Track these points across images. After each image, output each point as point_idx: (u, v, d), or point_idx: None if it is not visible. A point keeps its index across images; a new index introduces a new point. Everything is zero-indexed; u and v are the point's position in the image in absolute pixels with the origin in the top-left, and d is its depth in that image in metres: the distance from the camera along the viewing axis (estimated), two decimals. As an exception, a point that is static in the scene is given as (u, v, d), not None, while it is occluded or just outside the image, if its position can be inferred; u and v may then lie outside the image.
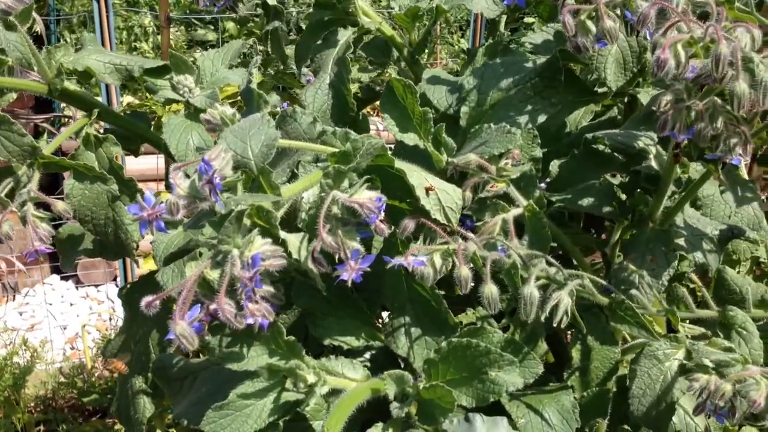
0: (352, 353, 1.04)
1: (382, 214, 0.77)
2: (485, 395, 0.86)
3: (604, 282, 0.97)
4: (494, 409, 1.05)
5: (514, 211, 1.01)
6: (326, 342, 0.98)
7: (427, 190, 0.86)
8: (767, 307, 1.08)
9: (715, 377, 0.91)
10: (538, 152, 1.13)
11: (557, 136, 1.30)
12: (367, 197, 0.78)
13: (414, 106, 1.04)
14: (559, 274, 0.93)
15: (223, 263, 0.74)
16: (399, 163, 0.86)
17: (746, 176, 1.32)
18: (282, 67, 1.50)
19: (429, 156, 1.04)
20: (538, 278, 0.91)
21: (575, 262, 1.15)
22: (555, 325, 0.88)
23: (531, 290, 0.86)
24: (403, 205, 0.91)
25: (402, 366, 1.05)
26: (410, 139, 1.05)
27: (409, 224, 0.86)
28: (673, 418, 1.11)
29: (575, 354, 1.15)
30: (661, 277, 1.02)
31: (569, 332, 1.23)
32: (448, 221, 0.88)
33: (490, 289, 0.84)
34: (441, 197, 0.87)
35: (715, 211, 1.14)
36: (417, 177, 0.86)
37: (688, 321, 1.04)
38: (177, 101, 1.20)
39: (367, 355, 1.17)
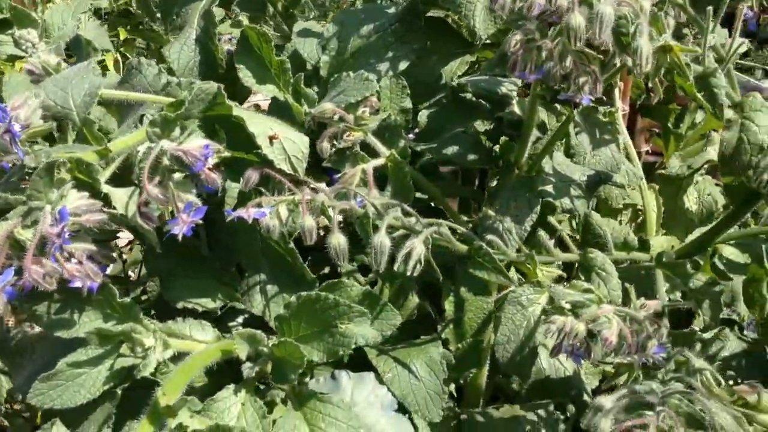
0: (216, 317, 1.00)
1: (210, 161, 0.73)
2: (335, 349, 0.83)
3: (463, 229, 0.95)
4: (362, 365, 1.03)
5: (374, 162, 0.97)
6: (180, 305, 0.93)
7: (271, 138, 0.82)
8: (629, 249, 1.08)
9: (571, 318, 0.91)
10: (408, 103, 1.10)
11: (433, 88, 1.27)
12: (195, 145, 0.73)
13: (270, 56, 0.99)
14: (417, 224, 0.90)
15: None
16: (238, 111, 0.82)
17: (623, 126, 1.34)
18: (150, 24, 1.42)
19: (290, 108, 1.00)
20: (392, 227, 0.88)
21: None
22: (409, 273, 0.86)
23: (381, 239, 0.83)
24: (251, 156, 0.86)
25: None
26: (268, 90, 1.00)
27: (252, 175, 0.82)
28: (543, 362, 1.12)
29: (448, 306, 1.13)
30: (524, 223, 1.01)
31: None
32: (294, 171, 0.84)
33: (338, 240, 0.81)
34: (286, 146, 0.83)
35: (594, 156, 1.14)
36: (259, 125, 0.82)
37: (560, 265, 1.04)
38: (21, 57, 1.12)
39: (240, 319, 1.13)
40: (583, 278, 1.02)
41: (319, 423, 0.87)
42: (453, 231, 0.95)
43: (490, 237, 0.95)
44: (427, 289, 1.20)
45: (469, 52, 1.29)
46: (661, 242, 1.31)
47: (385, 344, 1.10)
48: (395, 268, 0.85)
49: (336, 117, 0.92)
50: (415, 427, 1.03)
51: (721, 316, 1.71)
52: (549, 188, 1.12)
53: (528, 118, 0.99)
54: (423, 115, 1.11)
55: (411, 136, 1.11)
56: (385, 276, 1.07)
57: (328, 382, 0.99)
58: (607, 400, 0.77)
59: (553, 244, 1.11)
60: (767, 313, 1.31)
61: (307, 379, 0.99)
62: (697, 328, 1.15)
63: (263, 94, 1.02)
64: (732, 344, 1.52)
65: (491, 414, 1.10)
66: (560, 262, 1.09)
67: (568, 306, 0.93)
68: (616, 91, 1.34)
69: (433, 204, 1.16)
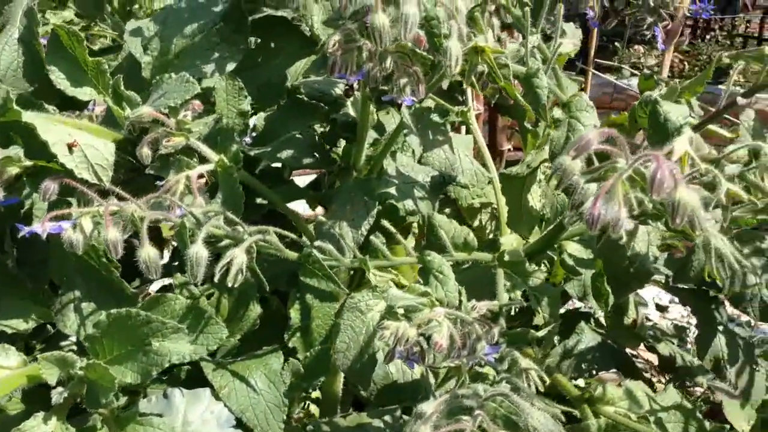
0: (46, 338, 0.93)
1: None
2: (149, 368, 0.78)
3: (293, 236, 0.93)
4: (200, 381, 0.99)
5: (201, 168, 0.93)
6: (-15, 328, 0.86)
7: (70, 146, 0.76)
8: (470, 250, 1.09)
9: (404, 323, 0.90)
10: (246, 105, 1.06)
11: (280, 90, 1.24)
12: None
13: (84, 57, 0.93)
14: (242, 233, 0.87)
15: None
16: (29, 116, 0.75)
17: (477, 125, 1.34)
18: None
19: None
20: (215, 237, 0.84)
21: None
22: (231, 284, 0.82)
23: (197, 250, 0.79)
24: (54, 165, 0.80)
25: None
26: (86, 93, 0.94)
27: (50, 186, 0.76)
28: (391, 367, 1.11)
29: (294, 314, 1.10)
30: (361, 227, 0.99)
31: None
32: (98, 179, 0.78)
33: (147, 253, 0.76)
34: (88, 154, 0.78)
35: (427, 158, 1.14)
36: (55, 133, 0.76)
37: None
38: None
39: (74, 338, 1.06)
40: (421, 282, 1.01)
41: (140, 446, 0.83)
42: (283, 238, 0.92)
43: (320, 243, 0.92)
44: (276, 297, 1.17)
45: (315, 52, 1.27)
46: (511, 241, 1.33)
47: (226, 357, 1.06)
48: (215, 280, 0.82)
49: (152, 119, 0.87)
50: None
51: (580, 310, 1.77)
52: (392, 190, 1.11)
53: (361, 119, 0.98)
54: (260, 118, 1.08)
55: (247, 140, 1.07)
56: (222, 286, 1.03)
57: (160, 401, 0.94)
58: (428, 406, 0.76)
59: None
60: (610, 308, 1.35)
61: (141, 398, 0.94)
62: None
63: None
64: (587, 337, 1.57)
65: (338, 423, 1.08)
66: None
67: (401, 311, 0.92)
68: (469, 90, 1.35)
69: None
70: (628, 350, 1.68)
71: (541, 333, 1.04)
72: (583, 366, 1.51)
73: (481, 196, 1.41)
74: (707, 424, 1.23)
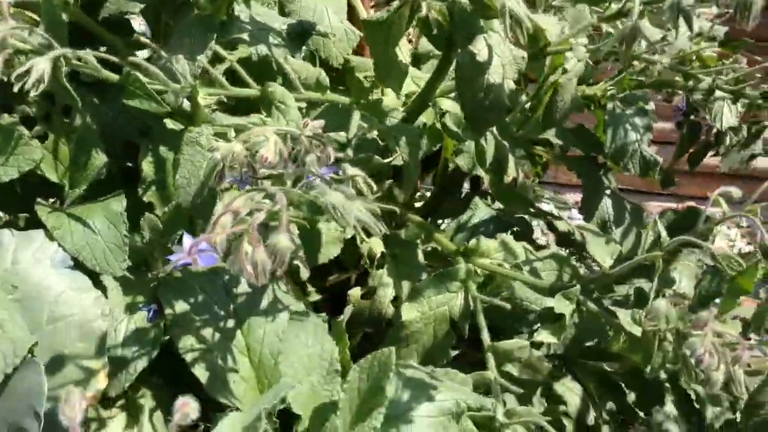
0: None
1: None
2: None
3: (114, 59, 0.89)
4: (35, 226, 0.96)
5: (14, -7, 0.89)
6: None
7: None
8: (323, 90, 1.06)
9: (236, 143, 0.87)
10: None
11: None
12: None
13: None
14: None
15: None
16: None
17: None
18: None
19: None
20: (18, 52, 0.80)
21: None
22: (33, 93, 0.78)
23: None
24: None
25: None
26: None
27: None
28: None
29: (147, 166, 1.08)
30: (197, 60, 0.96)
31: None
32: None
33: None
34: None
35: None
36: None
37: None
38: None
39: None
40: (264, 114, 0.99)
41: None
42: (104, 62, 0.89)
43: (146, 65, 0.89)
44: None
45: None
46: (388, 101, 1.31)
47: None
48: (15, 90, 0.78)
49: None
50: (103, 288, 0.97)
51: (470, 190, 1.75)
52: (244, 36, 1.08)
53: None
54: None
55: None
56: (55, 128, 0.99)
57: (-12, 243, 0.92)
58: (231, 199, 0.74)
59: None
60: (489, 166, 1.34)
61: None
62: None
63: None
64: (481, 212, 1.57)
65: (189, 270, 1.06)
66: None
67: (232, 132, 0.90)
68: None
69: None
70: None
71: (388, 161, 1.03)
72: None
73: (367, 69, 1.38)
74: (582, 269, 1.24)
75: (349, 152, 0.98)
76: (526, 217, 1.56)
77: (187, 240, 0.67)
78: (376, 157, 1.01)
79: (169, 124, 0.95)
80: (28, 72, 0.78)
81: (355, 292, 1.39)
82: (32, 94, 0.77)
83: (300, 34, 1.13)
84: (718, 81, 1.08)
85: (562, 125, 1.33)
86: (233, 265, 0.66)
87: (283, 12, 1.20)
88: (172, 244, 1.11)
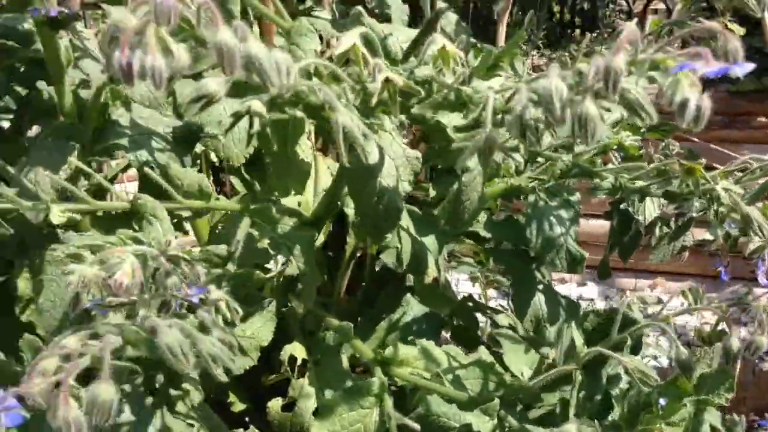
0: None
1: None
2: None
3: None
4: None
5: None
6: None
7: None
8: (207, 198, 0.99)
9: (89, 266, 0.79)
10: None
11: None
12: None
13: None
14: None
15: None
16: None
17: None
18: None
19: None
20: None
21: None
22: None
23: None
24: None
25: None
26: None
27: None
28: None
29: (23, 284, 1.00)
30: (59, 170, 0.89)
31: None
32: None
33: None
34: None
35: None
36: None
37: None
38: None
39: None
40: (137, 228, 0.92)
41: None
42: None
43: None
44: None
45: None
46: (293, 201, 1.25)
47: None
48: None
49: None
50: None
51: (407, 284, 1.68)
52: (123, 141, 1.02)
53: (47, 54, 0.88)
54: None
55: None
56: None
57: None
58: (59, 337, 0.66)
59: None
60: (406, 266, 1.27)
61: None
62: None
63: None
64: (414, 309, 1.49)
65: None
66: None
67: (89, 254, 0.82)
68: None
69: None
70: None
71: (271, 275, 0.95)
72: (408, 339, 1.43)
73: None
74: (507, 377, 1.16)
75: (230, 267, 0.90)
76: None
77: (-1, 393, 0.58)
78: (258, 272, 0.93)
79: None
80: None
81: (275, 405, 1.29)
82: None
83: (188, 138, 1.07)
84: (631, 179, 1.02)
85: (471, 223, 1.27)
86: (53, 421, 0.57)
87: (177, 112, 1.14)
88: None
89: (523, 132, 0.53)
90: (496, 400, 1.03)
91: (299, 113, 0.69)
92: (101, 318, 0.90)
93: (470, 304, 1.63)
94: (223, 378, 0.61)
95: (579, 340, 0.97)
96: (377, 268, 1.54)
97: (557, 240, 1.33)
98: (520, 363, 1.08)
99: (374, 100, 0.66)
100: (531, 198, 1.32)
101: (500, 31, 1.95)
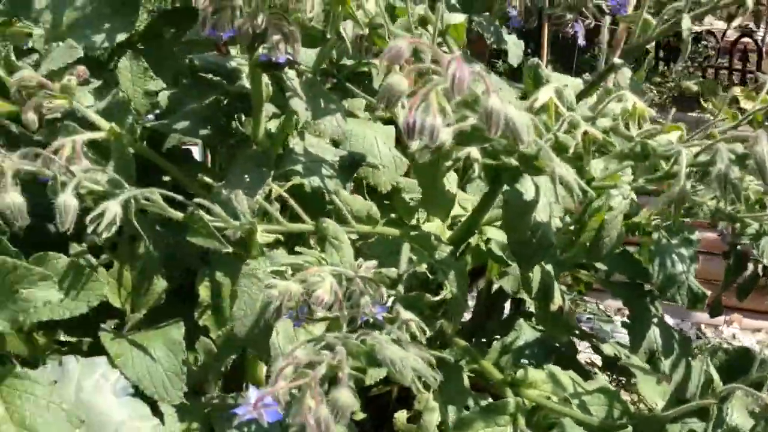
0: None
1: None
2: (18, 315, 0.78)
3: (181, 198, 0.93)
4: (98, 351, 0.98)
5: (90, 134, 0.94)
6: None
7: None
8: (374, 223, 1.09)
9: (293, 282, 0.89)
10: (152, 86, 1.09)
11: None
12: None
13: (-25, 28, 0.95)
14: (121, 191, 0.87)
15: None
16: None
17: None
18: None
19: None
20: (91, 193, 0.85)
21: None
22: (106, 235, 0.82)
23: (65, 198, 0.79)
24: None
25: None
26: (-22, 65, 0.96)
27: None
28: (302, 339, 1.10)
29: (203, 291, 1.11)
30: (256, 194, 1.00)
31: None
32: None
33: (12, 199, 0.77)
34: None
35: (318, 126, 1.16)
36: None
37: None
38: None
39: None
40: (319, 248, 1.02)
41: (15, 400, 0.82)
42: (171, 201, 0.93)
43: (207, 204, 0.93)
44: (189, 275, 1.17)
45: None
46: (433, 227, 1.33)
47: (131, 331, 1.06)
48: (88, 231, 0.82)
49: (37, 84, 0.89)
50: (161, 415, 0.98)
51: (519, 309, 1.76)
52: (298, 168, 1.12)
53: (253, 89, 0.99)
54: (164, 96, 1.10)
55: (151, 116, 1.09)
56: (121, 257, 1.03)
57: (55, 369, 0.94)
58: (292, 347, 0.75)
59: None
60: (535, 294, 1.34)
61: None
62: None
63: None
64: (526, 333, 1.56)
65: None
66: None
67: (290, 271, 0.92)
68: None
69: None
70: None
71: (438, 298, 1.04)
72: (521, 361, 1.50)
73: (414, 191, 1.42)
74: (632, 407, 1.22)
75: (400, 289, 0.99)
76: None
77: (253, 393, 0.68)
78: (427, 295, 1.02)
79: (208, 244, 0.97)
80: (101, 214, 0.81)
81: (401, 416, 1.37)
82: (104, 236, 0.81)
83: (351, 166, 1.17)
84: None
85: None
86: (295, 419, 0.66)
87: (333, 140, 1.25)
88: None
89: (724, 187, 0.60)
90: (630, 428, 1.09)
91: (514, 162, 0.78)
92: (298, 330, 1.01)
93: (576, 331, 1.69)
94: (426, 393, 0.69)
95: (716, 376, 1.02)
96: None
97: (679, 277, 1.38)
98: (654, 394, 1.14)
99: (571, 151, 0.74)
100: (654, 236, 1.38)
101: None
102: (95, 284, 0.87)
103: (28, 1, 1.36)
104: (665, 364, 1.43)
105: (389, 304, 0.93)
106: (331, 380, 0.71)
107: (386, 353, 0.71)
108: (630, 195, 1.09)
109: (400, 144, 1.36)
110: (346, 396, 0.67)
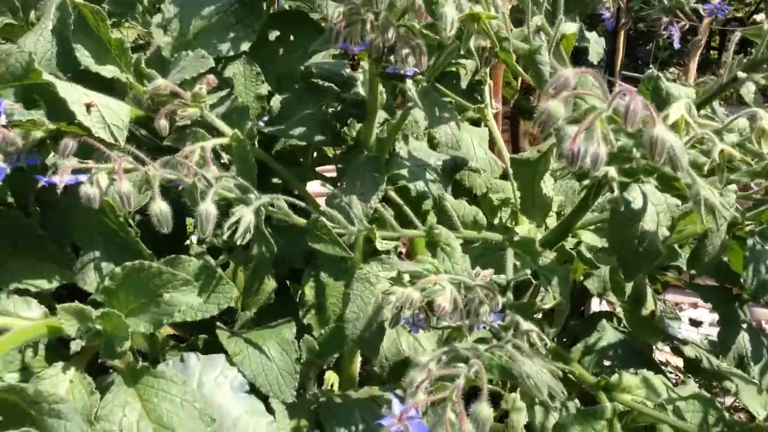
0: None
1: (3, 119, 0.72)
2: (160, 318, 0.82)
3: (303, 204, 0.96)
4: (215, 350, 1.02)
5: (216, 141, 0.98)
6: (12, 286, 0.91)
7: (88, 106, 0.81)
8: (479, 228, 1.10)
9: (411, 289, 0.92)
10: (263, 89, 1.11)
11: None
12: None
13: (108, 36, 0.99)
14: (252, 197, 0.91)
15: None
16: (49, 76, 0.81)
17: (494, 122, 1.37)
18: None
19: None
20: (225, 199, 0.88)
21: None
22: (239, 242, 0.85)
23: (207, 206, 0.82)
24: (75, 128, 0.86)
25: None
26: (109, 71, 1.00)
27: (69, 143, 0.81)
28: (403, 344, 1.12)
29: (308, 291, 1.14)
30: (370, 201, 1.02)
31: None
32: (114, 139, 0.83)
33: (159, 207, 0.80)
34: (105, 114, 0.83)
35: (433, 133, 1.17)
36: (73, 92, 0.81)
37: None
38: None
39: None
40: (430, 254, 1.04)
41: (152, 398, 0.86)
42: (294, 207, 0.96)
43: (329, 210, 0.95)
44: (290, 275, 1.21)
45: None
46: (526, 229, 1.35)
47: (242, 329, 1.10)
48: (224, 237, 0.86)
49: (170, 92, 0.92)
50: (272, 411, 1.02)
51: (597, 310, 1.76)
52: (404, 172, 1.14)
53: (369, 97, 1.01)
54: (276, 101, 1.12)
55: (264, 120, 1.12)
56: (237, 258, 1.07)
57: (177, 364, 0.98)
58: (425, 357, 0.78)
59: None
60: (627, 298, 1.35)
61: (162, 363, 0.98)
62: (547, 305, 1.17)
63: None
64: (609, 335, 1.56)
65: (349, 396, 1.10)
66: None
67: (407, 278, 0.94)
68: (486, 88, 1.38)
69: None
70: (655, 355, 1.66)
71: (546, 306, 1.05)
72: (604, 363, 1.50)
73: (499, 191, 1.43)
74: (727, 415, 1.22)
75: (510, 296, 1.01)
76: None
77: (396, 405, 0.70)
78: (537, 301, 1.03)
79: (329, 250, 1.00)
80: (238, 221, 0.84)
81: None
82: (239, 243, 0.84)
83: (452, 169, 1.19)
84: None
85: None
86: (437, 431, 0.69)
87: (431, 143, 1.27)
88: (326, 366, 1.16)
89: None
90: (729, 436, 1.09)
91: (653, 181, 0.78)
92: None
93: (660, 334, 1.68)
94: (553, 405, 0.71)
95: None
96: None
97: (776, 282, 1.37)
98: (756, 403, 1.13)
99: (706, 168, 0.75)
100: (749, 242, 1.37)
101: (692, 67, 1.98)
102: (225, 287, 0.90)
103: (132, 2, 1.41)
104: (755, 369, 1.42)
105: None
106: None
107: (523, 368, 0.73)
108: (734, 204, 1.08)
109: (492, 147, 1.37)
110: (486, 410, 0.69)
